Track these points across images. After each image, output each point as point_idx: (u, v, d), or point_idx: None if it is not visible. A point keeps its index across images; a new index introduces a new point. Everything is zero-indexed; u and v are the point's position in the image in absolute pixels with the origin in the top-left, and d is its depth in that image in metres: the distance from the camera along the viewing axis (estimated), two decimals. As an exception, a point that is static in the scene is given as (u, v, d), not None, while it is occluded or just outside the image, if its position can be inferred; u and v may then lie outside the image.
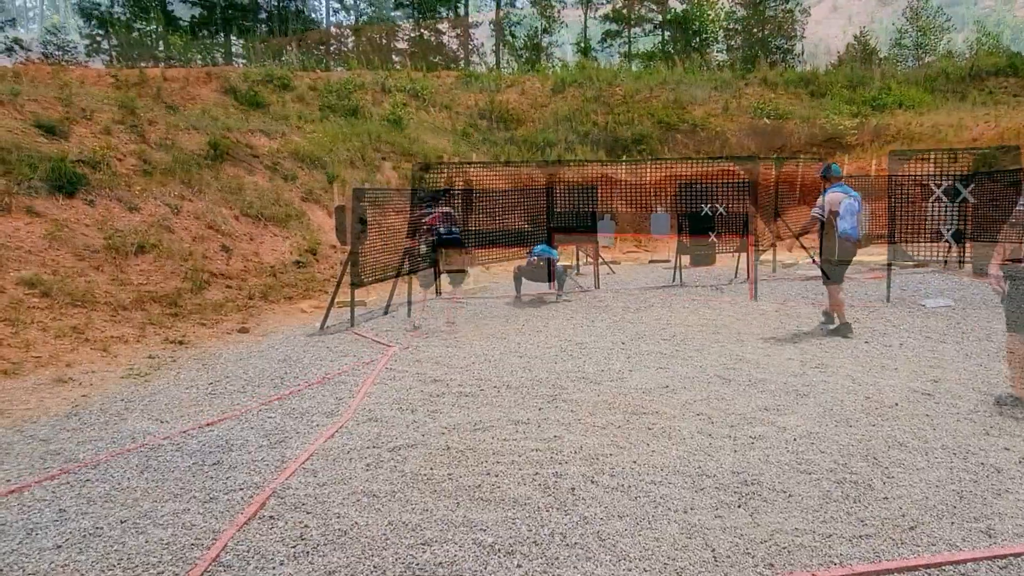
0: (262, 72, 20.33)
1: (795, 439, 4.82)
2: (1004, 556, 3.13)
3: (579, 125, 23.63)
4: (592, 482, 4.14)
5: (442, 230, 6.20)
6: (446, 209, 6.56)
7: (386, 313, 9.94)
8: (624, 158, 21.39)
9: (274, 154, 14.34)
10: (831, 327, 8.22)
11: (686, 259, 13.55)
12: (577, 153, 21.32)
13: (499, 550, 3.35)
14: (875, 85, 24.79)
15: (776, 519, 3.64)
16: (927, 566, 3.10)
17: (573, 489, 4.04)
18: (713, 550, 3.33)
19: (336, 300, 9.40)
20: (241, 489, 4.16)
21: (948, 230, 8.40)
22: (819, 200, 8.03)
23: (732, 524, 3.60)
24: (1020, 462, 4.29)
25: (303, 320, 9.73)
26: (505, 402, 5.77)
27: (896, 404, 5.51)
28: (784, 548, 3.33)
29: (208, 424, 5.41)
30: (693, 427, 5.10)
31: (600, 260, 13.60)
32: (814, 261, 11.97)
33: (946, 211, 8.94)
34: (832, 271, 8.03)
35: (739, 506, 3.82)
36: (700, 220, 12.71)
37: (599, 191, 12.91)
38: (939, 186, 8.63)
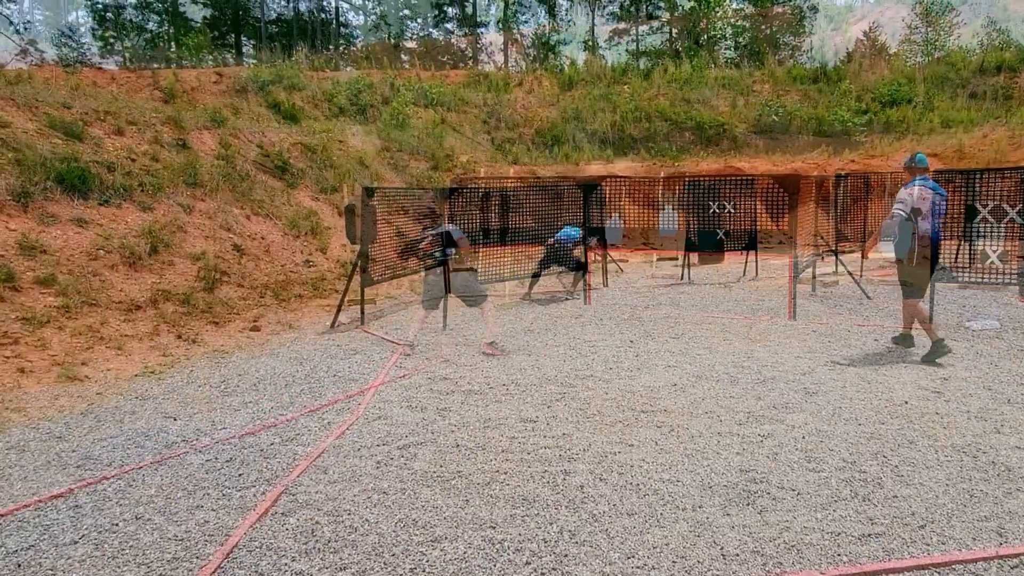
0: (272, 72, 20.41)
1: (804, 437, 4.80)
2: (1015, 556, 3.10)
3: (586, 123, 23.57)
4: (601, 480, 4.14)
5: (437, 255, 5.77)
6: (446, 228, 6.10)
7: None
8: (658, 159, 21.32)
9: (285, 153, 14.41)
10: (911, 347, 7.08)
11: (694, 257, 13.51)
12: (584, 152, 21.28)
13: (508, 547, 3.36)
14: (884, 81, 24.58)
15: (785, 517, 3.63)
16: (937, 565, 3.08)
17: (582, 487, 4.04)
18: (722, 548, 3.33)
19: (347, 299, 9.43)
20: (253, 486, 4.19)
21: (994, 251, 7.91)
22: (901, 194, 6.71)
23: (741, 522, 3.59)
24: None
25: (314, 319, 9.77)
26: (514, 400, 5.78)
27: (906, 402, 5.47)
28: (793, 546, 3.31)
29: (248, 433, 5.45)
30: (702, 425, 5.08)
31: (608, 259, 13.58)
32: (855, 280, 11.47)
33: (992, 231, 8.38)
34: (912, 281, 6.82)
35: (748, 504, 3.81)
36: (711, 235, 12.64)
37: (607, 191, 12.87)
38: (985, 206, 8.14)
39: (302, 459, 4.59)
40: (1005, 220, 7.82)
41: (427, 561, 3.25)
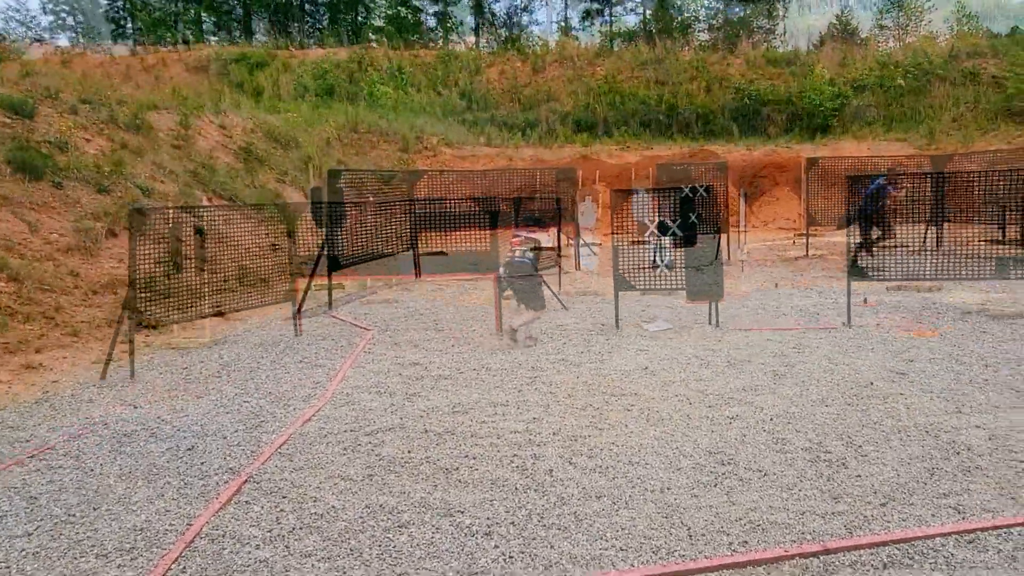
0: (235, 52, 19.93)
1: (771, 419, 4.90)
2: (972, 531, 3.22)
3: (560, 106, 23.51)
4: (570, 463, 4.18)
5: (516, 254, 5.48)
6: (534, 235, 5.88)
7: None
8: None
9: (248, 134, 14.11)
10: None
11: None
12: (558, 135, 21.24)
13: (477, 531, 3.38)
14: (857, 66, 24.92)
15: (751, 497, 3.71)
16: (897, 541, 3.18)
17: (551, 470, 4.08)
18: (689, 528, 3.39)
19: (313, 283, 9.32)
20: (216, 474, 4.14)
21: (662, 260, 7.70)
22: None
23: (708, 503, 3.66)
24: (990, 439, 4.40)
25: (280, 304, 9.64)
26: (484, 385, 5.79)
27: (871, 383, 5.61)
28: (759, 525, 3.39)
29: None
30: (671, 408, 5.16)
31: (582, 241, 13.62)
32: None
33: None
34: None
35: (715, 485, 3.88)
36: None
37: (579, 173, 12.90)
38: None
39: (267, 446, 4.55)
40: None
41: (394, 547, 3.25)
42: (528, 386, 5.73)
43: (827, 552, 3.07)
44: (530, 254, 5.34)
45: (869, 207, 10.53)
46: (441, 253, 13.04)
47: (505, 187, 12.39)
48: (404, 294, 9.63)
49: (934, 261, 5.53)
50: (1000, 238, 11.80)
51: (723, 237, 12.84)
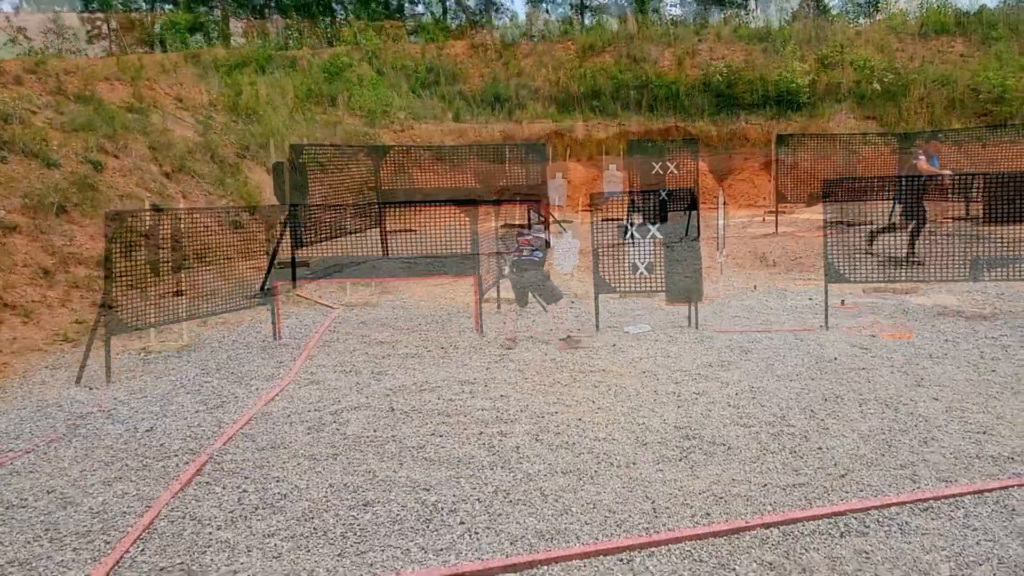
0: (190, 18, 19.31)
1: (737, 394, 5.01)
2: (925, 500, 3.35)
3: (530, 80, 23.33)
4: (537, 440, 4.23)
5: (525, 253, 5.43)
6: (540, 235, 5.78)
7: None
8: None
9: (206, 107, 13.75)
10: None
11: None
12: (528, 110, 21.09)
13: (442, 508, 3.41)
14: (829, 42, 25.16)
15: (715, 471, 3.80)
16: (855, 511, 3.30)
17: (518, 447, 4.12)
18: (653, 502, 3.47)
19: (277, 261, 9.18)
20: (176, 455, 4.09)
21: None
22: None
23: (672, 477, 3.74)
24: (947, 411, 4.57)
25: (242, 282, 9.49)
26: (452, 363, 5.80)
27: (835, 359, 5.76)
28: (721, 498, 3.48)
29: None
30: (639, 384, 5.23)
31: (552, 219, 13.63)
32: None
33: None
34: None
35: (680, 459, 3.97)
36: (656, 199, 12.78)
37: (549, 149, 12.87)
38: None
39: (229, 427, 4.51)
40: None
41: (359, 524, 3.27)
42: (496, 364, 5.76)
43: (786, 523, 3.17)
44: (539, 252, 5.36)
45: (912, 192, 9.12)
46: (410, 230, 12.96)
47: (474, 163, 12.31)
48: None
49: (909, 264, 5.54)
50: (965, 214, 12.17)
51: (696, 214, 12.99)
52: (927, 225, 7.40)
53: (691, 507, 3.40)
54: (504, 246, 6.91)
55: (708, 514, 3.33)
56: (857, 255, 5.44)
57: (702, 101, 22.72)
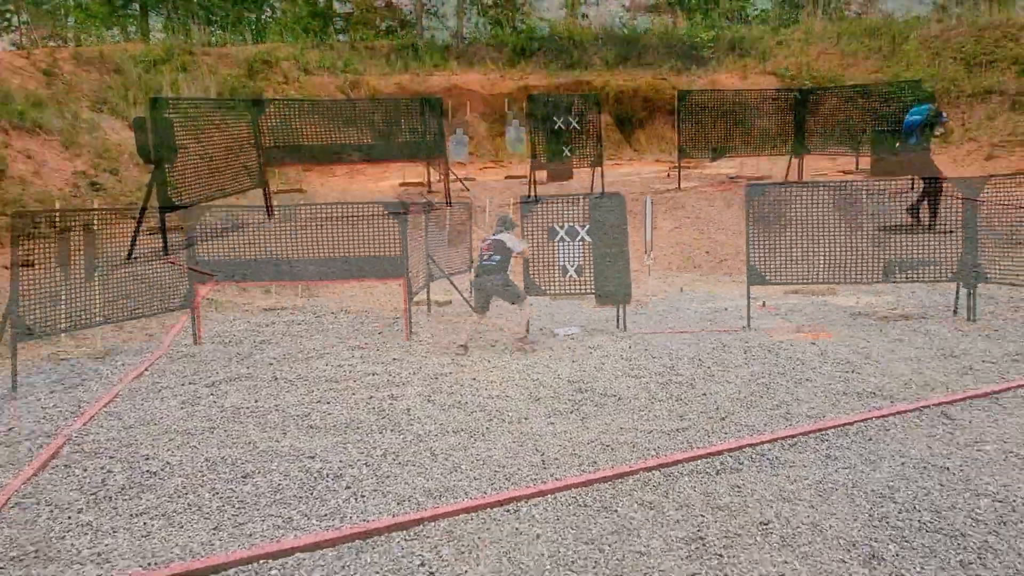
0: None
1: (631, 346, 5.31)
2: (793, 436, 3.73)
3: (427, 31, 22.90)
4: (429, 401, 4.35)
5: (485, 257, 5.44)
6: (499, 237, 5.68)
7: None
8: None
9: (51, 54, 12.67)
10: None
11: (543, 174, 13.88)
12: (425, 62, 20.74)
13: (327, 474, 3.47)
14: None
15: (604, 421, 4.06)
16: (731, 450, 3.63)
17: (408, 409, 4.22)
18: (543, 454, 3.67)
19: (145, 225, 8.72)
20: (28, 439, 3.92)
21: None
22: None
23: (563, 429, 3.96)
24: (820, 355, 5.05)
25: (107, 249, 8.97)
26: (343, 329, 5.80)
27: (726, 309, 6.20)
28: (608, 446, 3.74)
29: (-16, 373, 4.96)
30: (535, 341, 5.44)
31: (453, 177, 13.60)
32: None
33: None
34: None
35: (572, 412, 4.20)
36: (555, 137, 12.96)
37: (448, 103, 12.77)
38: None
39: (89, 405, 4.35)
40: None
41: (237, 497, 3.28)
42: (390, 327, 5.81)
43: (666, 465, 3.45)
44: (497, 256, 5.51)
45: (916, 140, 9.15)
46: (298, 191, 12.58)
47: (367, 118, 12.05)
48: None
49: (827, 265, 5.85)
50: (854, 168, 13.14)
51: (600, 170, 13.32)
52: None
53: (579, 456, 3.63)
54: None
55: (595, 462, 3.57)
56: (778, 258, 5.82)
57: (607, 54, 23.08)
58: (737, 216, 10.29)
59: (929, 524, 2.71)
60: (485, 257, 5.50)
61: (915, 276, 5.79)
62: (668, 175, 14.96)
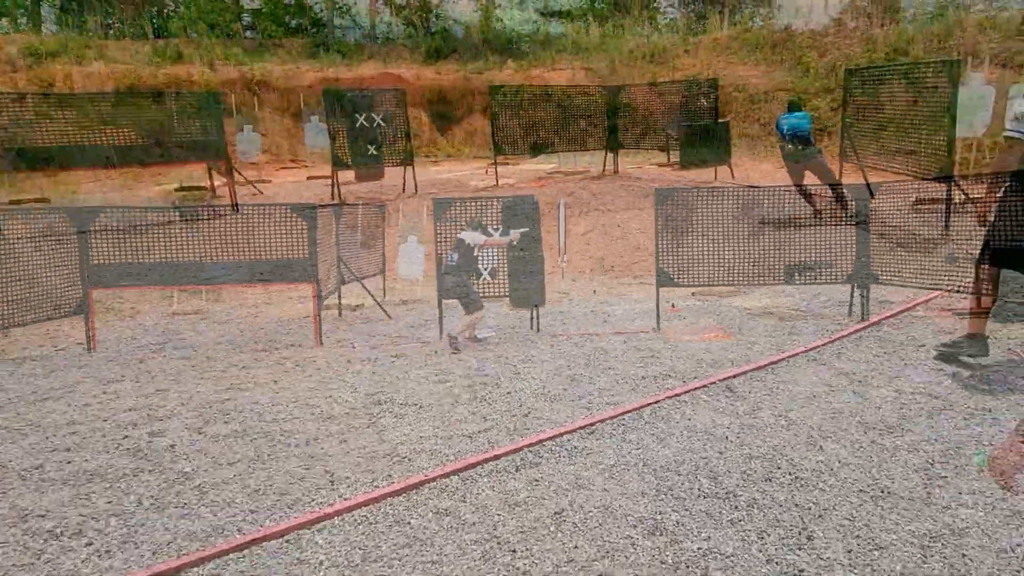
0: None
1: (435, 352, 5.27)
2: (592, 424, 3.88)
3: (204, 19, 21.57)
4: (199, 433, 4.00)
5: (447, 258, 5.46)
6: (462, 235, 5.55)
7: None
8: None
9: None
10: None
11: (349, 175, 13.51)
12: (208, 50, 19.47)
13: (62, 533, 3.05)
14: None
15: (403, 432, 3.96)
16: (531, 445, 3.69)
17: (173, 446, 3.85)
18: (332, 474, 3.50)
19: None
20: None
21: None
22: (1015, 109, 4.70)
23: (357, 445, 3.81)
24: (624, 343, 5.33)
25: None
26: (93, 360, 5.20)
27: (535, 306, 6.37)
28: (405, 457, 3.64)
29: None
30: (331, 356, 5.23)
31: (243, 179, 12.85)
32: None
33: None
34: None
35: (368, 427, 4.06)
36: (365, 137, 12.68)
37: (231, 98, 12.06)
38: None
39: None
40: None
41: (-66, 578, 2.79)
42: (155, 354, 5.31)
43: (463, 469, 3.44)
44: (455, 255, 5.49)
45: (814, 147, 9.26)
46: (44, 200, 11.21)
47: (132, 115, 11.04)
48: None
49: (733, 268, 6.23)
50: (667, 161, 14.21)
51: (411, 169, 13.24)
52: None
53: (373, 472, 3.51)
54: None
55: (390, 475, 3.47)
56: (686, 262, 6.10)
57: (419, 47, 23.07)
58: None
59: (707, 490, 2.92)
60: (447, 257, 5.64)
61: (814, 278, 6.29)
62: (486, 172, 15.22)
